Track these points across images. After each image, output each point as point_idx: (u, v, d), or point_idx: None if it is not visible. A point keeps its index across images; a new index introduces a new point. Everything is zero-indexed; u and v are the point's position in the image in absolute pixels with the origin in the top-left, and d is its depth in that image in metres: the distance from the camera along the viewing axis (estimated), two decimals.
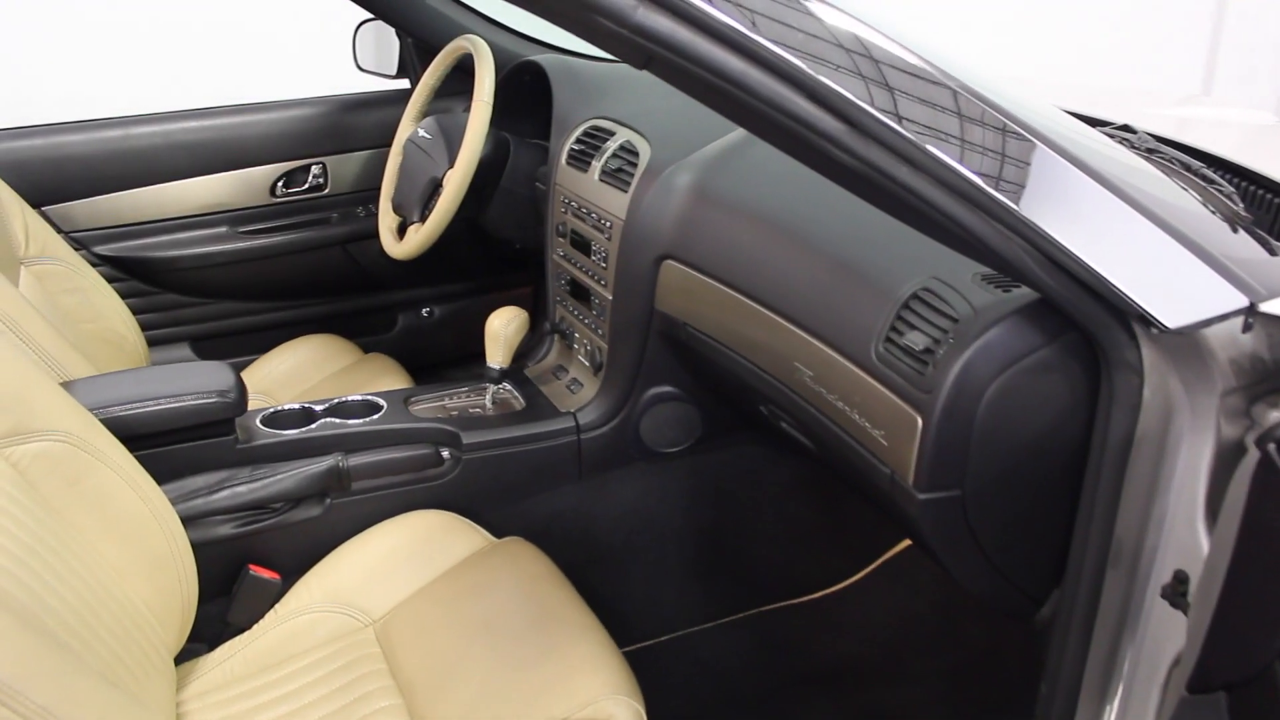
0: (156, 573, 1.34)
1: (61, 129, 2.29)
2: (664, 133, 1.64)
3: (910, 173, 0.86)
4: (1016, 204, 0.86)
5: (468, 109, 2.20)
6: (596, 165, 1.69)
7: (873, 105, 0.83)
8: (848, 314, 1.19)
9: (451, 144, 1.90)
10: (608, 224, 1.62)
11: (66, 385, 1.47)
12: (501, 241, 2.11)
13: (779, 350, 1.31)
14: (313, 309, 2.50)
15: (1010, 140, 0.88)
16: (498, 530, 1.61)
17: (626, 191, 1.59)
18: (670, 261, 1.52)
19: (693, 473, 1.76)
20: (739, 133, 1.59)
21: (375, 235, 2.39)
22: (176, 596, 1.37)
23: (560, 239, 1.80)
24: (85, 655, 1.14)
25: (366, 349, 2.34)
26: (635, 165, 1.61)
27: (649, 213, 1.54)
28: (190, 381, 1.54)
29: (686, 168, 1.54)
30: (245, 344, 2.44)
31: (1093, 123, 1.20)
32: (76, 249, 2.15)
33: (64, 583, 1.17)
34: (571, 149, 1.79)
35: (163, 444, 1.51)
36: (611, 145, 1.69)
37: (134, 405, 1.49)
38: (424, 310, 2.57)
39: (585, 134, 1.78)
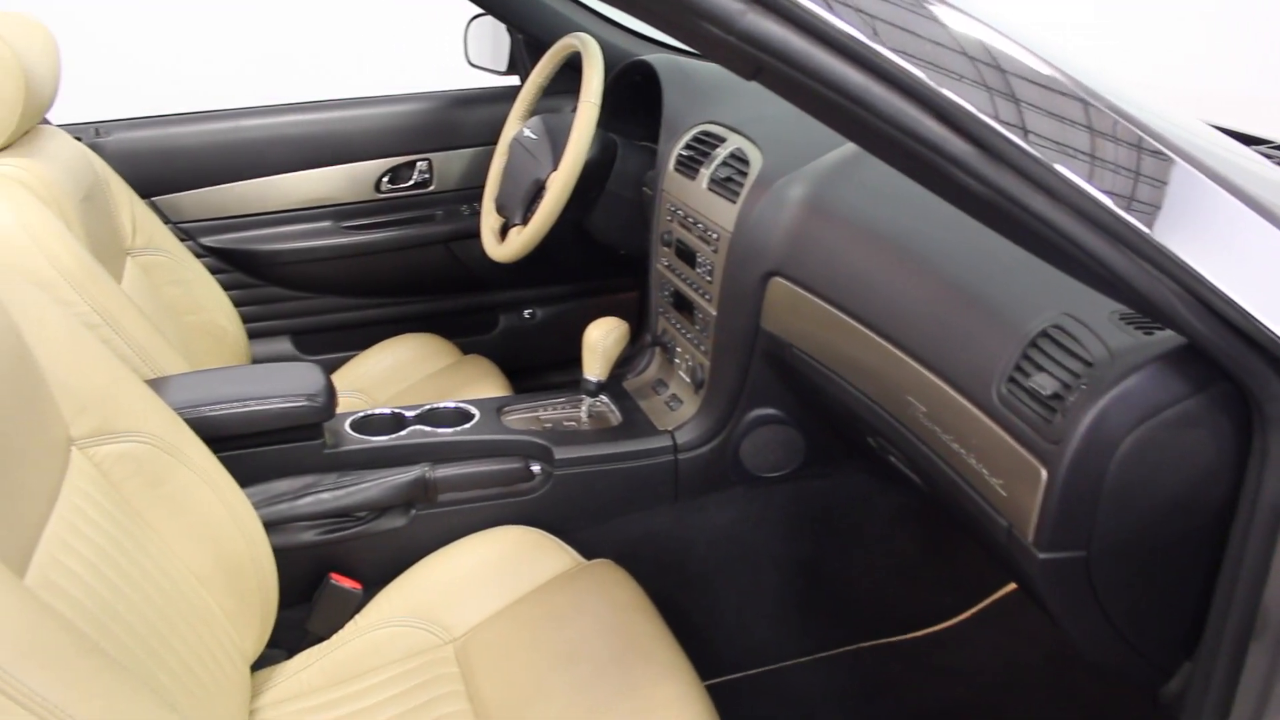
0: (236, 579, 1.31)
1: (172, 120, 2.30)
2: (777, 141, 1.56)
3: (1047, 203, 0.76)
4: (1166, 240, 0.76)
5: (575, 108, 2.14)
6: (705, 173, 1.62)
7: (1007, 125, 0.74)
8: (968, 348, 1.09)
9: (556, 145, 1.85)
10: (714, 235, 1.54)
11: (155, 383, 1.45)
12: (606, 247, 2.05)
13: (890, 381, 1.22)
14: (413, 307, 2.47)
15: (1160, 166, 0.78)
16: (586, 549, 1.55)
17: (735, 202, 1.51)
18: (779, 279, 1.44)
19: (792, 500, 1.68)
20: (855, 144, 1.50)
21: (478, 234, 2.35)
22: (256, 603, 1.34)
23: (665, 248, 1.73)
24: (153, 665, 1.11)
25: (466, 349, 2.30)
26: (745, 175, 1.53)
27: (758, 226, 1.46)
28: (279, 383, 1.51)
29: (799, 180, 1.45)
30: (345, 340, 2.42)
31: (1246, 140, 1.10)
32: (183, 240, 2.15)
33: (138, 588, 1.15)
34: (680, 155, 1.71)
35: (248, 446, 1.48)
36: (721, 152, 1.61)
37: (221, 406, 1.46)
38: (525, 312, 2.53)
39: (695, 139, 1.70)
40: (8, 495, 1.00)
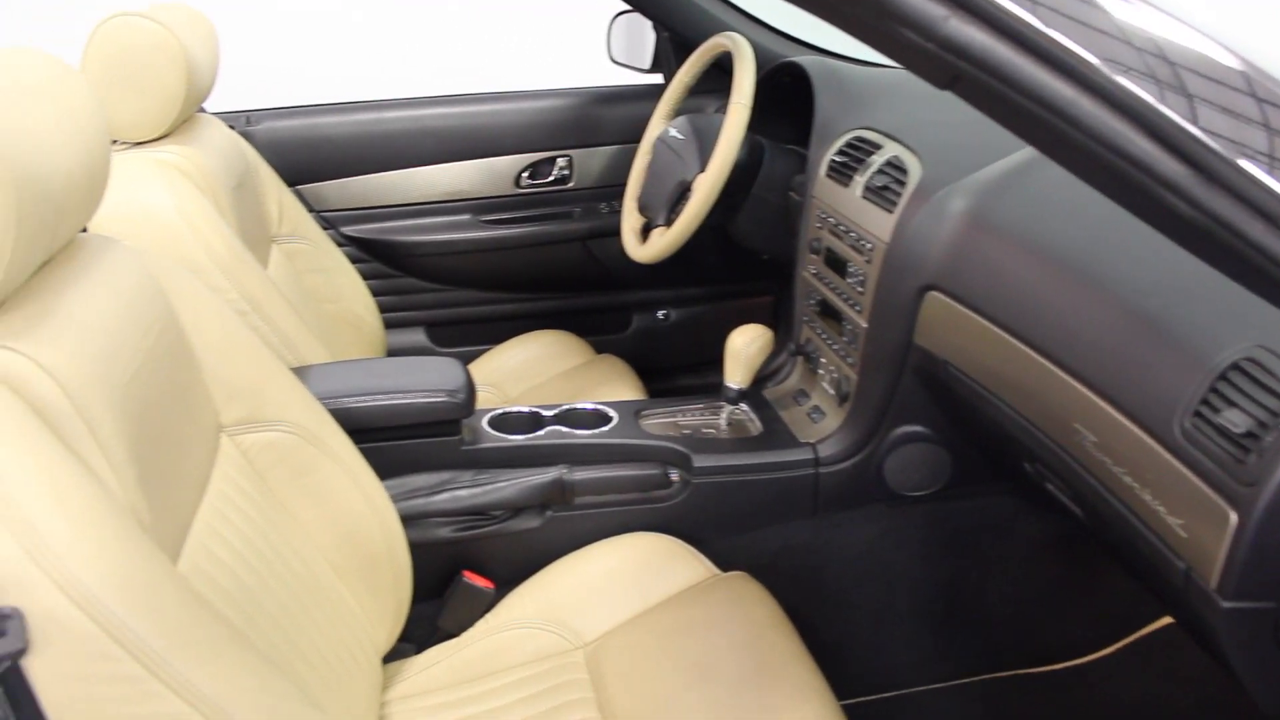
0: (372, 572, 1.31)
1: (318, 110, 2.32)
2: (936, 150, 1.50)
3: (1266, 230, 0.70)
4: None
5: (720, 109, 2.10)
6: (859, 180, 1.57)
7: (1227, 144, 0.68)
8: (1147, 377, 1.03)
9: (704, 146, 1.81)
10: (868, 245, 1.50)
11: (299, 372, 1.46)
12: (747, 251, 2.01)
13: (1056, 406, 1.16)
14: (547, 303, 2.46)
15: None
16: (720, 560, 1.52)
17: (892, 212, 1.45)
18: (936, 293, 1.38)
19: (935, 520, 1.62)
20: (1022, 155, 1.44)
21: (616, 233, 2.33)
22: (391, 597, 1.34)
23: (813, 256, 1.68)
24: (292, 655, 1.11)
25: (599, 348, 2.29)
26: (903, 184, 1.47)
27: (917, 238, 1.41)
28: (421, 377, 1.50)
29: (962, 191, 1.40)
30: (478, 333, 2.43)
31: None
32: (324, 229, 2.18)
33: (279, 578, 1.15)
34: (833, 160, 1.66)
35: (387, 439, 1.48)
36: (877, 160, 1.56)
37: (363, 398, 1.47)
38: (659, 313, 2.50)
39: (848, 145, 1.65)
40: (166, 481, 1.00)
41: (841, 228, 1.58)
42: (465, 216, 2.36)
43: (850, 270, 1.55)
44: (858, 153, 1.62)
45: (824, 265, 1.65)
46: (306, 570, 1.23)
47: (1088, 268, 1.17)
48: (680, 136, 1.86)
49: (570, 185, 2.39)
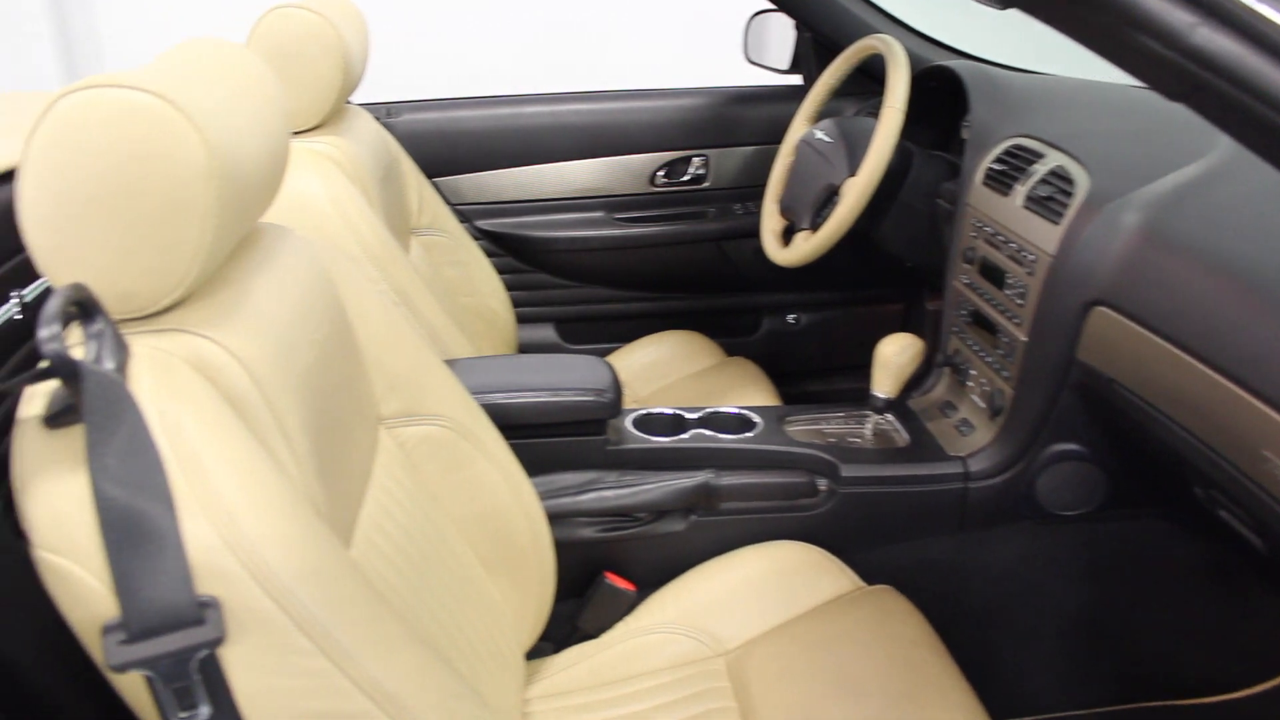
0: (519, 569, 1.31)
1: (457, 104, 2.34)
2: (1105, 161, 1.45)
3: None
4: None
5: (859, 112, 2.07)
6: (1020, 190, 1.52)
7: None
8: None
9: (853, 150, 1.78)
10: (1030, 256, 1.45)
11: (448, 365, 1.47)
12: (888, 257, 1.97)
13: (1242, 432, 1.11)
14: (678, 303, 2.45)
15: None
16: (861, 572, 1.49)
17: (1058, 224, 1.41)
18: (1104, 309, 1.33)
19: (1085, 541, 1.57)
20: (1197, 168, 1.38)
21: (751, 234, 2.31)
22: (535, 595, 1.34)
23: (966, 265, 1.64)
24: (449, 650, 1.11)
25: (727, 350, 2.27)
26: (1069, 195, 1.42)
27: (1086, 251, 1.36)
28: (570, 375, 1.50)
29: (1135, 205, 1.34)
30: (607, 331, 2.42)
31: None
32: (460, 222, 2.19)
33: (434, 572, 1.15)
34: (990, 168, 1.62)
35: (533, 436, 1.48)
36: (1040, 169, 1.51)
37: (513, 394, 1.46)
38: (789, 317, 2.47)
39: (1007, 153, 1.61)
40: (338, 474, 1.01)
41: (1000, 237, 1.54)
42: (599, 214, 2.36)
43: (1009, 281, 1.51)
44: (1017, 161, 1.58)
45: (978, 275, 1.61)
46: (458, 564, 1.23)
47: (1278, 287, 1.11)
48: (828, 139, 1.83)
49: (705, 185, 2.37)
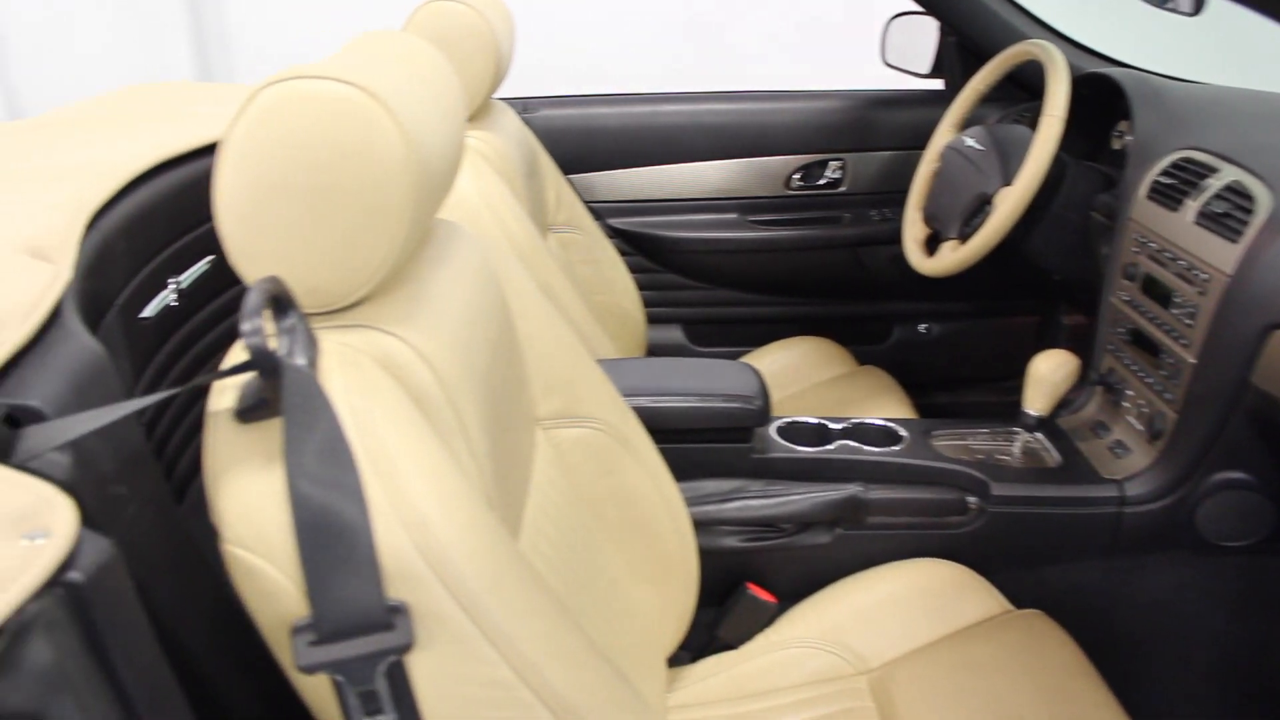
0: (664, 576, 1.29)
1: (593, 101, 2.33)
2: None
3: None
4: None
5: (1003, 119, 2.02)
6: (1191, 205, 1.46)
7: None
8: None
9: (1007, 158, 1.73)
10: (1203, 276, 1.39)
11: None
12: (1032, 269, 1.91)
13: None
14: (808, 308, 2.41)
15: None
16: (1007, 593, 1.45)
17: (1236, 243, 1.35)
18: None
19: (1247, 573, 1.50)
20: None
21: (887, 241, 2.27)
22: (678, 603, 1.32)
23: (1126, 282, 1.58)
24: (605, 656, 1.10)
25: (858, 357, 2.23)
26: (1248, 212, 1.36)
27: (1269, 272, 1.30)
28: (718, 381, 1.48)
29: None
30: (735, 334, 2.40)
31: None
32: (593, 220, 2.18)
33: (589, 576, 1.14)
34: (1157, 181, 1.56)
35: (679, 441, 1.46)
36: (1214, 184, 1.45)
37: (660, 398, 1.45)
38: (921, 326, 2.42)
39: (1175, 166, 1.55)
40: (507, 476, 1.00)
41: (1167, 254, 1.48)
42: (732, 215, 2.33)
43: (1176, 300, 1.45)
44: (1186, 175, 1.51)
45: (1140, 293, 1.55)
46: (609, 569, 1.22)
47: None
48: (979, 147, 1.78)
49: (842, 189, 2.34)
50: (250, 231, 0.76)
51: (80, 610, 0.57)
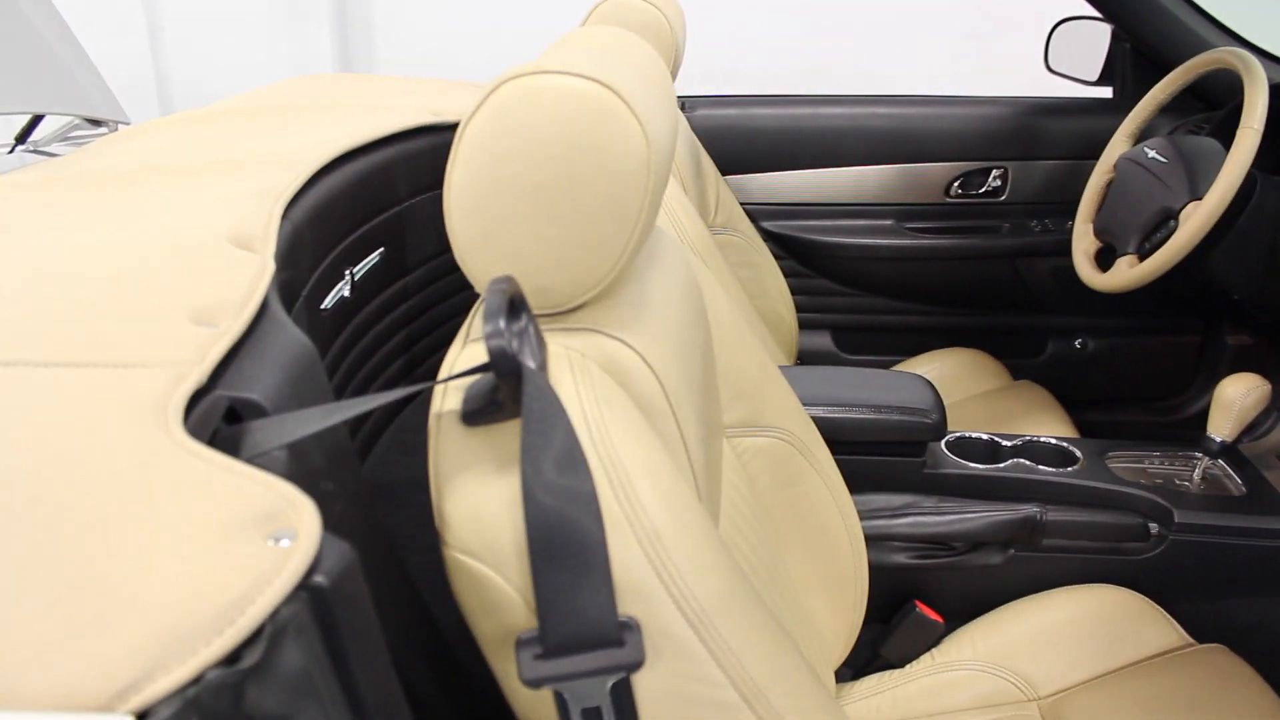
0: (836, 591, 1.27)
1: (752, 101, 2.30)
2: None
3: None
4: None
5: (1177, 129, 1.94)
6: None
7: None
8: None
9: (1194, 171, 1.66)
10: None
11: None
12: (1209, 287, 1.84)
13: None
14: (960, 319, 2.36)
15: None
16: (1187, 626, 1.39)
17: None
18: None
19: None
20: None
21: (1048, 253, 2.21)
22: (848, 618, 1.29)
23: None
24: None
25: (1012, 371, 2.17)
26: None
27: None
28: (894, 394, 1.45)
29: None
30: (885, 343, 2.36)
31: None
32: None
33: (772, 590, 1.12)
34: None
35: (851, 453, 1.43)
36: None
37: (836, 409, 1.42)
38: (1076, 341, 2.35)
39: None
40: (710, 486, 0.98)
41: None
42: (889, 222, 2.29)
43: None
44: None
45: None
46: (789, 582, 1.19)
47: None
48: (1162, 159, 1.71)
49: (1002, 199, 2.28)
50: (482, 228, 0.74)
51: (323, 615, 0.56)
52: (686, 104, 2.25)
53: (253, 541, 0.52)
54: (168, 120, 1.23)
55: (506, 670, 0.72)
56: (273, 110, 1.36)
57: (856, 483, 1.43)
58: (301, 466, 0.70)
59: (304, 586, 0.53)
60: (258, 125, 1.25)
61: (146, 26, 3.82)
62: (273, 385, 0.72)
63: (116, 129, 1.72)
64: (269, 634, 0.49)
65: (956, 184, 2.27)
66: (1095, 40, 2.24)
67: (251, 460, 0.64)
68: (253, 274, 0.80)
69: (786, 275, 2.21)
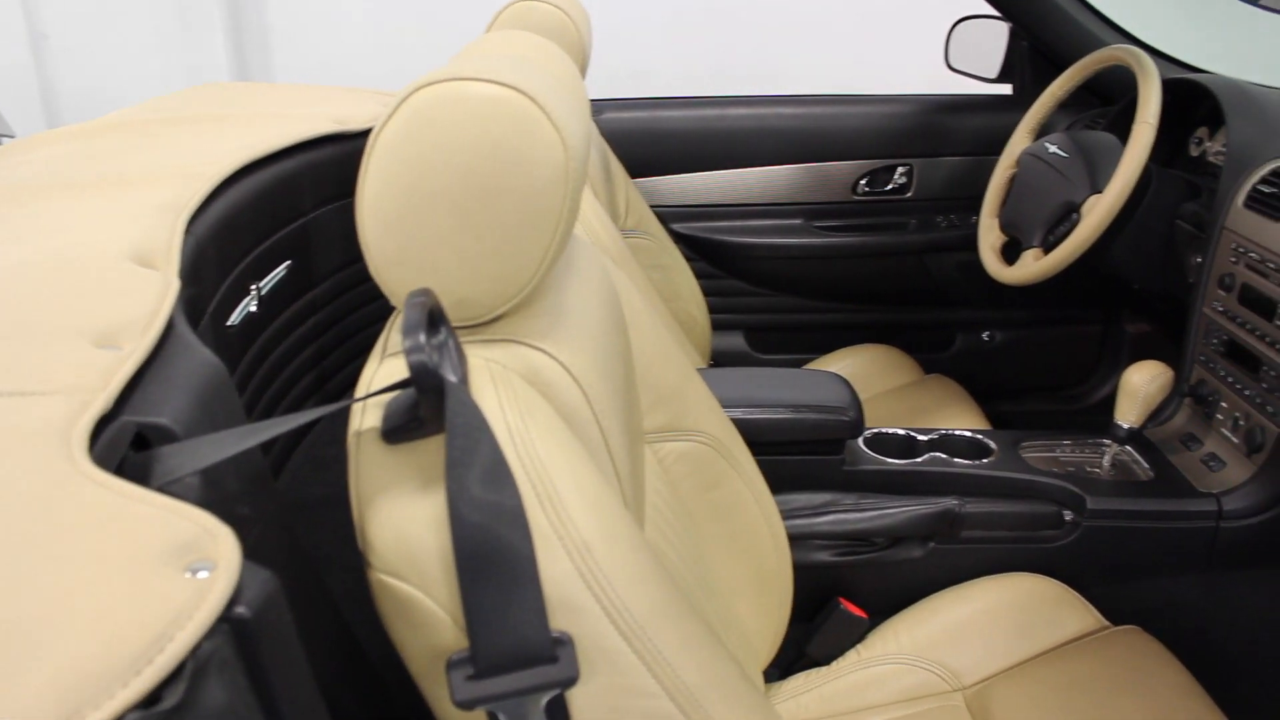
0: (762, 592, 1.27)
1: (660, 104, 2.31)
2: None
3: None
4: None
5: (1075, 125, 1.99)
6: None
7: None
8: None
9: (1094, 165, 1.70)
10: None
11: None
12: (1111, 278, 1.89)
13: None
14: (871, 315, 2.39)
15: None
16: (1102, 609, 1.42)
17: None
18: None
19: None
20: None
21: (954, 248, 2.24)
22: (773, 619, 1.29)
23: (1222, 292, 1.55)
24: None
25: (924, 365, 2.20)
26: None
27: None
28: (811, 392, 1.45)
29: None
30: (798, 342, 2.37)
31: None
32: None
33: (699, 596, 1.11)
34: (1256, 190, 1.53)
35: (770, 453, 1.43)
36: None
37: (753, 410, 1.42)
38: (984, 334, 2.39)
39: (1275, 174, 1.52)
40: (634, 487, 0.97)
41: (1270, 264, 1.45)
42: (797, 221, 2.31)
43: None
44: None
45: (1237, 303, 1.52)
46: (715, 586, 1.19)
47: None
48: (1063, 154, 1.75)
49: (908, 195, 2.31)
50: (397, 240, 0.72)
51: (247, 648, 0.54)
52: (594, 108, 2.24)
53: (169, 574, 0.49)
54: (58, 133, 1.18)
55: (437, 693, 0.70)
56: (171, 121, 1.32)
57: (777, 483, 1.43)
58: (216, 492, 0.68)
59: (225, 619, 0.51)
60: (156, 137, 1.21)
61: (28, 34, 3.69)
62: (182, 408, 0.69)
63: (1, 143, 1.66)
64: (190, 671, 0.47)
65: (863, 182, 2.29)
66: (994, 38, 2.29)
67: (163, 488, 0.61)
68: (156, 292, 0.77)
69: (698, 276, 2.21)
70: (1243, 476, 1.47)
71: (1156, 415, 1.65)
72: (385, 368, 0.74)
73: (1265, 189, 1.51)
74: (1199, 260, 1.63)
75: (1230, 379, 1.53)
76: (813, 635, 1.46)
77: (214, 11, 3.74)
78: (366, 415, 0.72)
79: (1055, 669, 1.32)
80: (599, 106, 2.25)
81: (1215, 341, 1.57)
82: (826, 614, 1.45)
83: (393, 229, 0.72)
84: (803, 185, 2.29)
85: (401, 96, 0.71)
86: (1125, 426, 1.55)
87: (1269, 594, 1.49)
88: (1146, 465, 1.55)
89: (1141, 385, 1.53)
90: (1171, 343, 1.69)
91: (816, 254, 2.30)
